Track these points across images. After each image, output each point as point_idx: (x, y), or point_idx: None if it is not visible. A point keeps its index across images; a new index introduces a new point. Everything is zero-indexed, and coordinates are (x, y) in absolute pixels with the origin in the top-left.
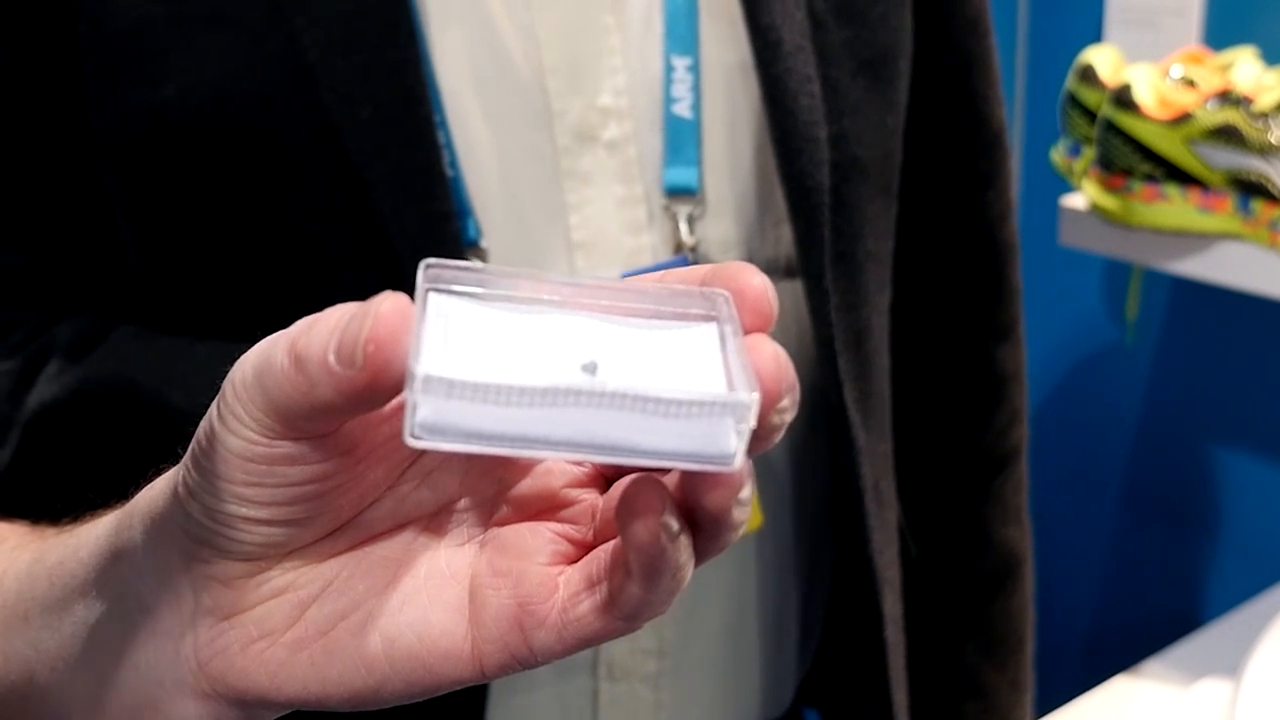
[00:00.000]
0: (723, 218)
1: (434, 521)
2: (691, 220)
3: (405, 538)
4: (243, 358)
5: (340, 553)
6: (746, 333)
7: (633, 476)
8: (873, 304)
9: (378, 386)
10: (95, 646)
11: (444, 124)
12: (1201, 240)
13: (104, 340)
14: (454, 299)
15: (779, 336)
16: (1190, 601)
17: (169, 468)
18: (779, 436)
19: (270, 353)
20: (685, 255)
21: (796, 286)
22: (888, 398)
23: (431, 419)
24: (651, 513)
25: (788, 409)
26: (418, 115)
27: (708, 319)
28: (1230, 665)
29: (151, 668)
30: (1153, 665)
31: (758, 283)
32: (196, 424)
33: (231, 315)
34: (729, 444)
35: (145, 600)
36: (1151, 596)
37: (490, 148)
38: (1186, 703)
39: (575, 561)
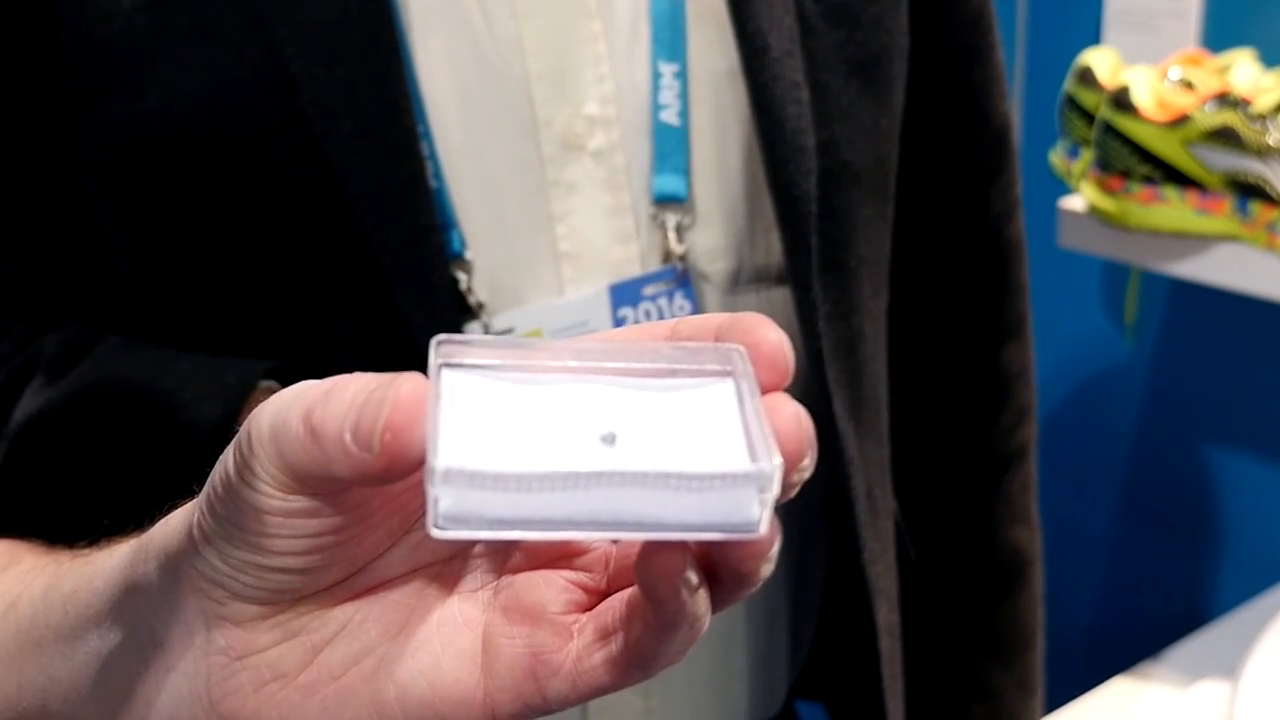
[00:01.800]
0: (711, 226)
1: (447, 568)
2: (680, 229)
3: (418, 584)
4: (260, 409)
5: (354, 597)
6: (764, 390)
7: None
8: (866, 310)
9: (394, 470)
10: (108, 678)
11: (428, 135)
12: (1199, 242)
13: (91, 351)
14: (466, 374)
15: None
16: (1189, 603)
17: (184, 502)
18: (796, 492)
19: (286, 415)
20: (674, 265)
21: (788, 294)
22: (883, 404)
23: (454, 510)
24: (673, 572)
25: (808, 467)
26: (400, 127)
27: (723, 375)
28: (1229, 666)
29: (164, 703)
30: (1152, 666)
31: (774, 337)
32: (178, 437)
33: (219, 325)
34: (753, 513)
35: (158, 635)
36: (1151, 598)
37: (475, 159)
38: (1186, 703)
39: (589, 609)
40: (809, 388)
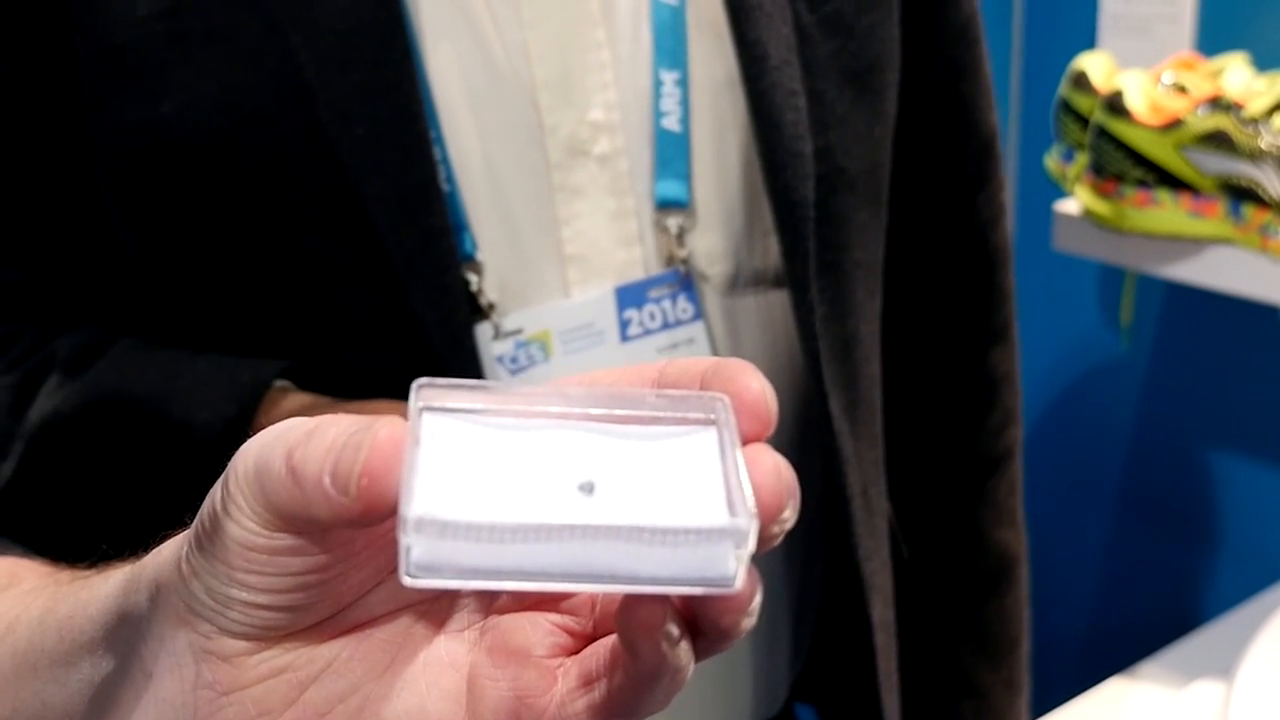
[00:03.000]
0: (711, 229)
1: (434, 606)
2: (682, 232)
3: (405, 622)
4: (245, 446)
5: (341, 634)
6: (745, 440)
7: None
8: (861, 313)
9: (372, 515)
10: (99, 707)
11: (440, 140)
12: (1193, 245)
13: (104, 353)
14: (448, 419)
15: (768, 347)
16: (1184, 603)
17: (177, 531)
18: (778, 543)
19: (269, 454)
20: (678, 268)
21: (785, 297)
22: (878, 405)
23: (426, 559)
24: (653, 626)
25: (789, 519)
26: (413, 131)
27: (706, 424)
28: (1224, 667)
29: None
30: (1148, 667)
31: (756, 386)
32: (192, 438)
33: (232, 327)
34: (728, 568)
35: (148, 666)
36: (1146, 598)
37: (485, 163)
38: (1181, 704)
39: (575, 653)
40: (806, 388)
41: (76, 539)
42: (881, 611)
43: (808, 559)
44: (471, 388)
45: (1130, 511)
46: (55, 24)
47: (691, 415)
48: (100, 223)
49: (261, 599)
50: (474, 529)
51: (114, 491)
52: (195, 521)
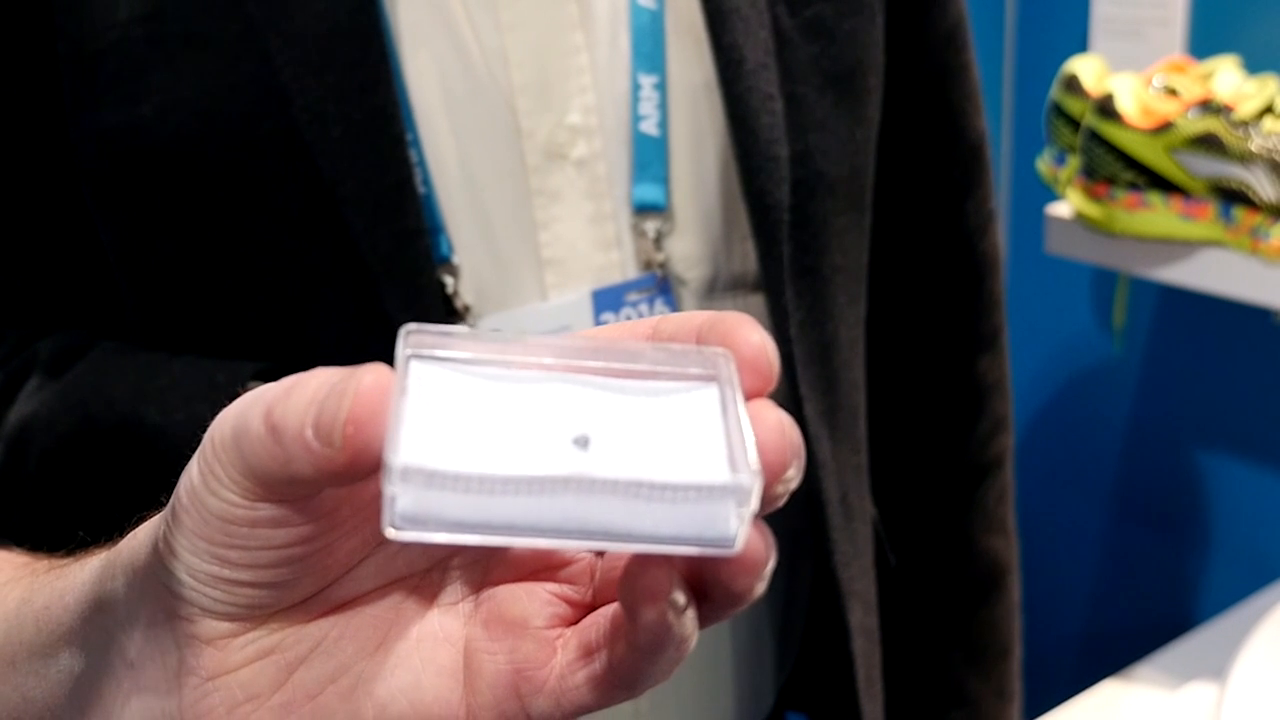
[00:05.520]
0: (689, 234)
1: (426, 580)
2: (659, 236)
3: (396, 597)
4: (222, 414)
5: (328, 613)
6: (747, 396)
7: None
8: (841, 318)
9: (358, 466)
10: (81, 698)
11: (416, 143)
12: (1185, 247)
13: (85, 355)
14: (437, 367)
15: None
16: (1178, 605)
17: (153, 514)
18: (783, 502)
19: (248, 415)
20: (654, 272)
21: (763, 301)
22: (860, 410)
23: (412, 510)
24: (659, 592)
25: (794, 478)
26: (389, 134)
27: (708, 379)
28: (1218, 669)
29: None
30: (1142, 669)
31: (756, 339)
32: (167, 438)
33: (211, 328)
34: (729, 527)
35: (129, 654)
36: (1140, 601)
37: (462, 166)
38: (1175, 706)
39: (574, 623)
40: (780, 392)
41: (58, 537)
42: (861, 617)
43: (792, 563)
44: (462, 336)
45: (1123, 514)
46: (36, 29)
47: (692, 370)
48: (81, 225)
49: (244, 575)
50: (462, 479)
51: (93, 492)
52: (171, 499)
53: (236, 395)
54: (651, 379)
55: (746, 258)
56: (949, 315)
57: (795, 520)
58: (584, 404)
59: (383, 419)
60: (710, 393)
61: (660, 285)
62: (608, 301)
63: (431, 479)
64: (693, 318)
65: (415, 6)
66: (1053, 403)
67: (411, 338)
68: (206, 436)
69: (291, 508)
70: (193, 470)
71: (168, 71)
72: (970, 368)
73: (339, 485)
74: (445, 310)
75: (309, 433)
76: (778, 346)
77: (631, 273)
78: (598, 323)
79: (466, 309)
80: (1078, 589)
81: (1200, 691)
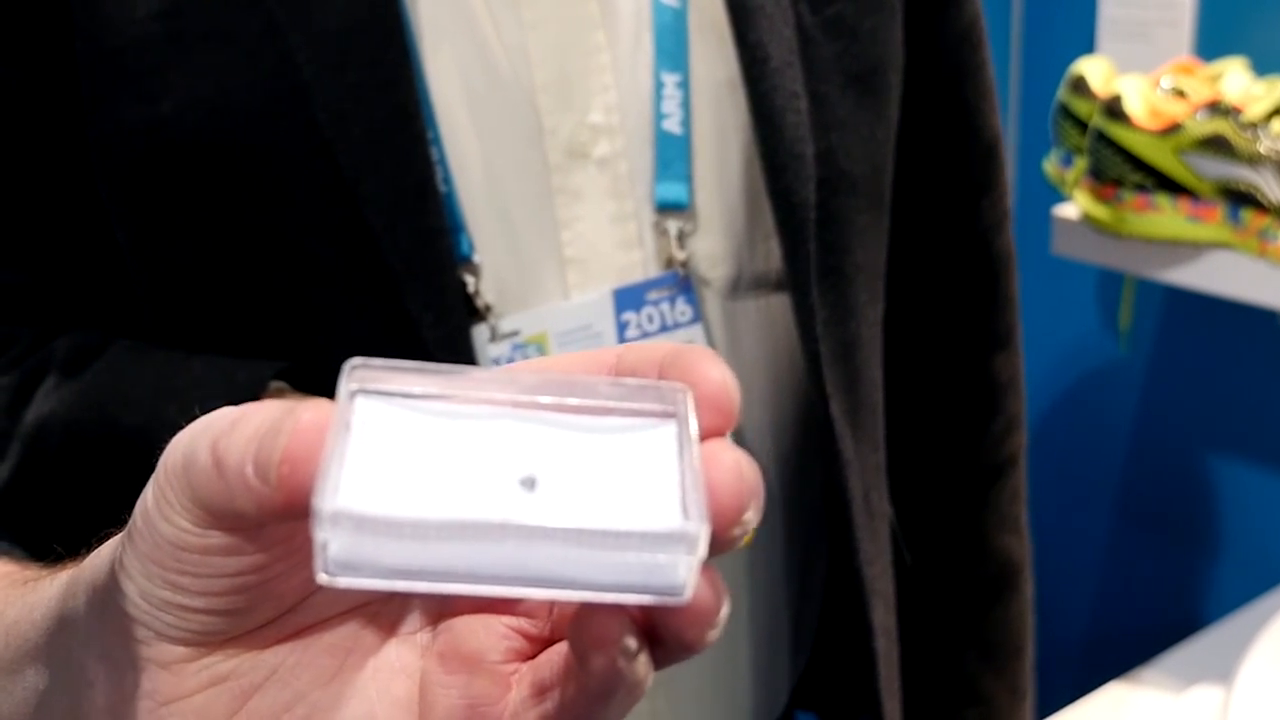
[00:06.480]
0: (712, 232)
1: (385, 608)
2: (682, 235)
3: (354, 625)
4: (176, 439)
5: (285, 639)
6: (704, 435)
7: None
8: (862, 316)
9: (294, 505)
10: (43, 716)
11: (437, 140)
12: (1192, 249)
13: (102, 353)
14: (383, 403)
15: (769, 350)
16: (1184, 608)
17: (117, 531)
18: (741, 544)
19: (196, 445)
20: (676, 270)
21: (786, 300)
22: (880, 409)
23: (344, 556)
24: (608, 640)
25: (751, 520)
26: (410, 132)
27: (665, 416)
28: (1224, 672)
29: None
30: (1147, 672)
31: (716, 375)
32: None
33: (229, 327)
34: (677, 577)
35: (88, 674)
36: (1146, 603)
37: (483, 164)
38: (1181, 709)
39: (531, 658)
40: (808, 391)
41: (76, 540)
42: (883, 616)
43: (808, 562)
44: (411, 370)
45: (1129, 516)
46: (55, 26)
47: (649, 407)
48: (98, 223)
49: (197, 602)
50: (396, 525)
51: (110, 492)
52: (130, 520)
53: (258, 396)
54: (606, 415)
55: (769, 257)
56: (964, 313)
57: (811, 519)
58: (533, 442)
59: (317, 458)
60: (667, 431)
61: (682, 284)
62: (629, 300)
63: (363, 524)
64: (655, 349)
65: (436, 4)
66: (1059, 404)
67: (356, 373)
68: (160, 461)
69: (243, 536)
70: (148, 494)
71: (187, 69)
72: (985, 366)
73: (282, 521)
74: (466, 310)
75: (249, 469)
76: (805, 345)
77: (653, 271)
78: (619, 322)
79: (488, 308)
80: (1083, 591)
81: (1206, 695)
